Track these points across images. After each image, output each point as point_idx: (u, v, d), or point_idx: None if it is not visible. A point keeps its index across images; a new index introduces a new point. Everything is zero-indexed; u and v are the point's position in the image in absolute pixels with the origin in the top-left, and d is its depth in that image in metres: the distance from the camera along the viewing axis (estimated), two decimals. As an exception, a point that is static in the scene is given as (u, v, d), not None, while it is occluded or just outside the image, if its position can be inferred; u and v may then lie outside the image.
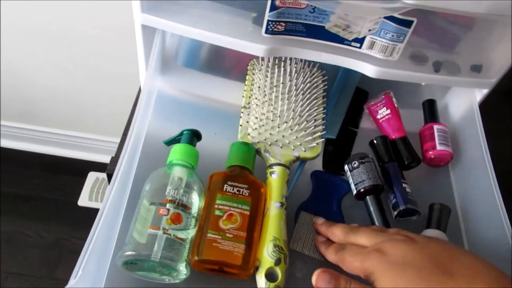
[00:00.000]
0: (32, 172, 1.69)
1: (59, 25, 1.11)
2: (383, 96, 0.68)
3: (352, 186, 0.60)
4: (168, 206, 0.50)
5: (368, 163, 0.59)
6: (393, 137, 0.65)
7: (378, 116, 0.67)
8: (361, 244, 0.49)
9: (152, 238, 0.49)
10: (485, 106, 0.88)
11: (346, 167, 0.61)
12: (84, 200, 1.56)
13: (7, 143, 1.69)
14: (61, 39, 1.15)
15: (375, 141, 0.63)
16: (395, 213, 0.58)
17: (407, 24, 0.54)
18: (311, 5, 0.54)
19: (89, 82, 1.33)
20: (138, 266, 0.49)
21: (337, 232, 0.53)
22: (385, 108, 0.67)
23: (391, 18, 0.53)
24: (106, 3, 1.02)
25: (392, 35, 0.55)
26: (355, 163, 0.60)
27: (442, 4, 0.50)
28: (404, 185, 0.59)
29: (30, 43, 1.19)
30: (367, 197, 0.58)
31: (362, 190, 0.58)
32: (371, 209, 0.58)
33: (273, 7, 0.54)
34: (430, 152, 0.63)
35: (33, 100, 1.47)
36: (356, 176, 0.59)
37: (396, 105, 0.67)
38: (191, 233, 0.52)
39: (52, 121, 1.57)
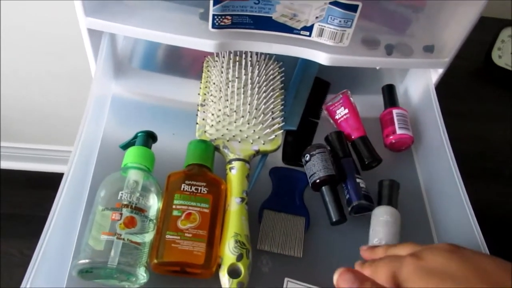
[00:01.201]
0: (13, 190, 1.66)
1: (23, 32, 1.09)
2: (340, 96, 0.67)
3: (308, 177, 0.59)
4: (121, 210, 0.49)
5: (323, 154, 0.59)
6: (353, 137, 0.63)
7: (337, 117, 0.66)
8: (399, 254, 0.44)
9: (108, 245, 0.47)
10: (450, 88, 0.88)
11: (302, 159, 0.60)
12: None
13: (-18, 162, 1.66)
14: (29, 46, 1.13)
15: (330, 137, 0.63)
16: (349, 208, 0.57)
17: (353, 8, 0.53)
18: (255, -4, 0.54)
19: (61, 91, 1.30)
20: (94, 274, 0.48)
21: (379, 251, 0.48)
22: (343, 107, 0.65)
23: (336, 4, 0.53)
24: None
25: (340, 21, 0.55)
26: (309, 154, 0.59)
27: (383, -14, 0.49)
28: (358, 180, 0.58)
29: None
30: (323, 187, 0.58)
31: (317, 180, 0.58)
32: (326, 199, 0.57)
33: (217, 1, 0.53)
34: (391, 137, 0.63)
35: (7, 116, 1.44)
36: (311, 167, 0.59)
37: (354, 103, 0.66)
38: (148, 236, 0.51)
39: (28, 136, 1.54)
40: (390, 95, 0.67)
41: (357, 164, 0.61)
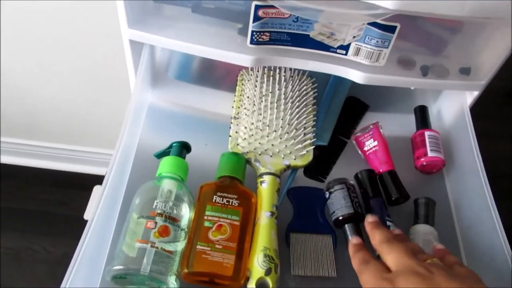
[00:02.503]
0: (39, 188, 1.70)
1: (59, 34, 1.13)
2: (371, 126, 0.66)
3: (330, 214, 0.58)
4: (156, 219, 0.50)
5: (347, 189, 0.58)
6: (381, 170, 0.62)
7: (365, 148, 0.65)
8: (386, 264, 0.47)
9: (141, 252, 0.49)
10: (484, 108, 0.87)
11: (326, 192, 0.60)
12: (90, 214, 1.57)
13: (13, 160, 1.71)
14: (63, 48, 1.17)
15: (359, 175, 0.62)
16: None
17: (391, 29, 0.54)
18: (294, 15, 0.54)
19: (92, 93, 1.34)
20: (128, 280, 0.49)
21: (376, 236, 0.50)
22: (372, 139, 0.64)
23: (374, 24, 0.53)
24: (108, 12, 1.02)
25: (377, 41, 0.55)
26: (333, 188, 0.58)
27: (423, 9, 0.50)
28: (388, 223, 0.57)
29: (30, 54, 1.20)
30: (345, 225, 0.56)
31: (340, 217, 0.57)
32: (349, 238, 0.55)
33: (256, 18, 0.54)
34: (422, 159, 0.63)
35: (35, 114, 1.48)
36: (334, 202, 0.58)
37: (384, 136, 0.65)
38: (180, 245, 0.52)
39: (56, 135, 1.58)
40: (422, 116, 0.67)
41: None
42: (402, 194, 0.60)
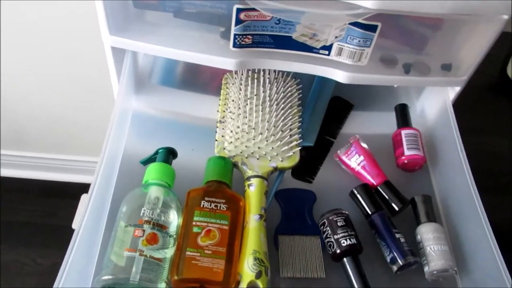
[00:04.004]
0: (26, 199, 1.67)
1: (42, 43, 1.11)
2: (351, 142, 0.64)
3: (327, 247, 0.56)
4: (144, 227, 0.50)
5: (340, 220, 0.56)
6: (375, 183, 0.61)
7: (353, 165, 0.63)
8: None
9: (130, 261, 0.48)
10: (468, 103, 0.88)
11: (320, 224, 0.58)
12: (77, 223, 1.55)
13: (-2, 171, 1.68)
14: (46, 57, 1.15)
15: (355, 191, 0.60)
16: (395, 268, 0.55)
17: (372, 28, 0.54)
18: (276, 17, 0.54)
19: (77, 100, 1.32)
20: (117, 289, 0.49)
21: None
22: (357, 155, 0.63)
23: (355, 24, 0.54)
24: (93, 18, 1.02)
25: (359, 41, 0.55)
26: (327, 220, 0.57)
27: (403, 7, 0.50)
28: (397, 235, 0.56)
29: (14, 63, 1.19)
30: (344, 259, 0.54)
31: (338, 251, 0.54)
32: (349, 272, 0.54)
33: (238, 21, 0.54)
34: (403, 157, 0.63)
35: (19, 124, 1.46)
36: (330, 235, 0.56)
37: (366, 148, 0.64)
38: (169, 252, 0.51)
39: (41, 145, 1.56)
40: (402, 114, 0.67)
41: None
42: (404, 202, 0.60)
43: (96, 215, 0.53)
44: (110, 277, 0.47)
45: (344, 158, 0.64)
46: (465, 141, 0.64)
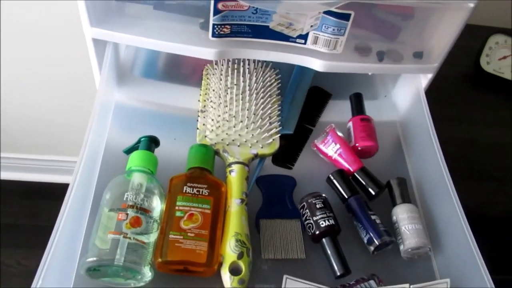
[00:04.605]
0: (8, 201, 1.66)
1: (20, 41, 1.11)
2: (327, 131, 0.66)
3: (307, 229, 0.58)
4: (127, 211, 0.51)
5: (319, 202, 0.58)
6: (352, 170, 0.63)
7: (330, 154, 0.65)
8: None
9: (115, 243, 0.49)
10: (443, 93, 0.92)
11: (300, 207, 0.60)
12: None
13: (-21, 173, 1.66)
14: (24, 55, 1.15)
15: (331, 177, 0.62)
16: (372, 248, 0.57)
17: (346, 17, 0.56)
18: (253, 7, 0.56)
19: (58, 99, 1.32)
20: (102, 272, 0.50)
21: None
22: (333, 143, 0.64)
23: (329, 13, 0.56)
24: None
25: (333, 29, 0.57)
26: (306, 203, 0.58)
27: (373, -5, 0.52)
28: (373, 217, 0.58)
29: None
30: (323, 239, 0.56)
31: (317, 232, 0.56)
32: (328, 252, 0.56)
33: (216, 11, 0.56)
34: (356, 145, 0.66)
35: (2, 126, 1.45)
36: (309, 218, 0.57)
37: (342, 136, 0.66)
38: (153, 237, 0.53)
39: (26, 146, 1.55)
40: (353, 104, 0.70)
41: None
42: (380, 187, 0.62)
43: (79, 205, 0.54)
44: (95, 259, 0.48)
45: (321, 146, 0.66)
46: (441, 128, 0.66)
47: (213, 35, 0.59)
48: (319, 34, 0.59)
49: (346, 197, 0.60)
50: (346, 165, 0.64)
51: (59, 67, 1.19)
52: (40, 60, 1.17)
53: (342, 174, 0.62)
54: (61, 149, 1.57)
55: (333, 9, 0.55)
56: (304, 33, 0.59)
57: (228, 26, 0.58)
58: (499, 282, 0.76)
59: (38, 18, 1.03)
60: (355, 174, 0.63)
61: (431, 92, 0.70)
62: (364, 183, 0.62)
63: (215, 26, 0.58)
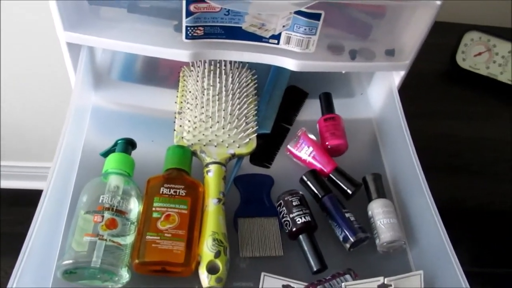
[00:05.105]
0: (-5, 208, 1.65)
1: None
2: (299, 135, 0.67)
3: (284, 226, 0.59)
4: (103, 213, 0.51)
5: (296, 200, 0.59)
6: (326, 171, 0.63)
7: (304, 157, 0.65)
8: None
9: (91, 246, 0.50)
10: (419, 89, 0.93)
11: (277, 205, 0.60)
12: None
13: (-37, 181, 1.64)
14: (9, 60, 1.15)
15: (305, 178, 0.62)
16: (348, 246, 0.57)
17: (316, 17, 0.57)
18: (225, 8, 0.57)
19: (42, 105, 1.31)
20: (79, 275, 0.50)
21: None
22: (306, 147, 0.65)
23: (300, 13, 0.57)
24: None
25: (305, 29, 0.58)
26: (283, 200, 0.59)
27: (341, -5, 0.53)
28: (347, 214, 0.59)
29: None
30: (300, 236, 0.57)
31: (293, 229, 0.57)
32: (305, 248, 0.56)
33: (189, 13, 0.57)
34: (326, 143, 0.66)
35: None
36: (286, 215, 0.58)
37: (313, 139, 0.66)
38: (130, 238, 0.53)
39: (8, 153, 1.54)
40: (322, 103, 0.71)
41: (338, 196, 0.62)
42: (356, 185, 0.62)
43: (56, 208, 0.54)
44: (71, 261, 0.48)
45: (294, 151, 0.67)
46: (418, 124, 0.67)
47: (187, 37, 0.59)
48: (291, 34, 0.60)
49: (320, 196, 0.61)
50: (320, 166, 0.64)
51: (36, 74, 1.18)
52: (21, 69, 1.17)
53: (314, 174, 0.63)
54: (45, 156, 1.56)
55: (303, 9, 0.56)
56: (276, 33, 0.60)
57: (201, 28, 0.59)
58: (477, 274, 0.77)
59: (16, 24, 1.03)
60: (331, 175, 0.63)
61: (408, 88, 0.71)
62: (340, 183, 0.63)
63: (188, 28, 0.58)
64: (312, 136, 0.66)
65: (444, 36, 1.02)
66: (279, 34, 0.60)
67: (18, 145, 1.50)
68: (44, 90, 1.26)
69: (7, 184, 1.65)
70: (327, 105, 0.70)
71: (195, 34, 0.59)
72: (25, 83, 1.24)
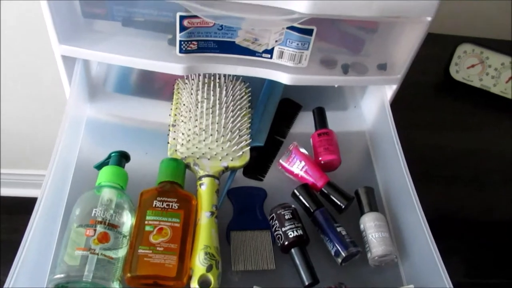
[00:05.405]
0: (-10, 216, 1.64)
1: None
2: (291, 149, 0.67)
3: (276, 239, 0.59)
4: (95, 226, 0.52)
5: (288, 213, 0.59)
6: (319, 185, 0.64)
7: (296, 172, 0.65)
8: None
9: (83, 260, 0.50)
10: (412, 101, 0.94)
11: (269, 218, 0.60)
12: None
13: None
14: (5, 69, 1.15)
15: (296, 192, 0.62)
16: (340, 260, 0.57)
17: (308, 32, 0.58)
18: (219, 23, 0.58)
19: (38, 113, 1.32)
20: (70, 289, 0.50)
21: None
22: (298, 161, 0.65)
23: (293, 28, 0.58)
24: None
25: (297, 44, 0.59)
26: (275, 214, 0.59)
27: (333, 11, 0.54)
28: (338, 229, 0.59)
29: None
30: (292, 250, 0.57)
31: (286, 243, 0.57)
32: (297, 262, 0.56)
33: (182, 28, 0.57)
34: (319, 159, 0.67)
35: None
36: (278, 228, 0.58)
37: (305, 153, 0.66)
38: (122, 252, 0.53)
39: (3, 161, 1.54)
40: (316, 118, 0.71)
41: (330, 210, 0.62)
42: (348, 199, 0.62)
43: (48, 220, 0.55)
44: (63, 275, 0.48)
45: (286, 165, 0.67)
46: (411, 135, 0.68)
47: (180, 51, 0.60)
48: (284, 49, 0.60)
49: (312, 211, 0.61)
50: (313, 181, 0.65)
51: (32, 83, 1.18)
52: (19, 78, 1.17)
53: (306, 188, 0.63)
54: (40, 164, 1.56)
55: (296, 24, 0.57)
56: (269, 48, 0.61)
57: (195, 42, 0.59)
58: (470, 285, 0.78)
59: (13, 34, 1.03)
60: (323, 189, 0.64)
61: (402, 100, 0.72)
62: (332, 197, 0.63)
63: (182, 43, 0.59)
64: (303, 150, 0.67)
65: (437, 48, 1.03)
66: (272, 49, 0.61)
67: (15, 153, 1.50)
68: (35, 100, 1.26)
69: (5, 191, 1.65)
70: (321, 120, 0.70)
71: (189, 48, 0.60)
72: (21, 95, 1.24)
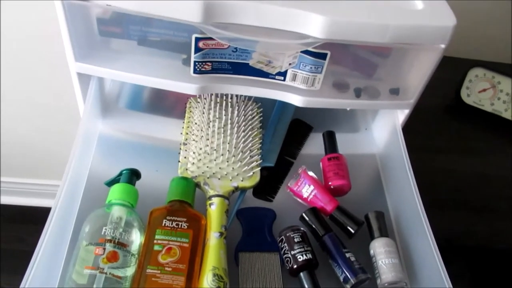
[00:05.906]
0: (-6, 225, 1.65)
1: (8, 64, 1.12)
2: (299, 173, 0.67)
3: (285, 262, 0.59)
4: (104, 245, 0.52)
5: (297, 236, 0.58)
6: (328, 210, 0.63)
7: (305, 196, 0.65)
8: None
9: (91, 279, 0.50)
10: (424, 124, 0.94)
11: (278, 241, 0.60)
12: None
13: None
14: (13, 78, 1.16)
15: (305, 216, 0.62)
16: (348, 286, 0.57)
17: (322, 56, 0.58)
18: (233, 46, 0.58)
19: (46, 123, 1.33)
20: (78, 307, 0.50)
21: None
22: (307, 185, 0.65)
23: (307, 52, 0.58)
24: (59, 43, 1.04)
25: (311, 67, 0.59)
26: (284, 236, 0.59)
27: (348, 37, 0.55)
28: (347, 254, 0.58)
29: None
30: (301, 273, 0.57)
31: (294, 266, 0.57)
32: (305, 286, 0.56)
33: (197, 49, 0.58)
34: (329, 183, 0.66)
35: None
36: (287, 251, 0.58)
37: (314, 176, 0.66)
38: (130, 270, 0.53)
39: (11, 170, 1.55)
40: (326, 142, 0.71)
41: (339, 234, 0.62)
42: (358, 223, 0.62)
43: (58, 236, 0.55)
44: (71, 295, 0.48)
45: (295, 189, 0.67)
46: (422, 158, 0.67)
47: (195, 71, 0.60)
48: (297, 72, 0.61)
49: (320, 235, 0.61)
50: (322, 205, 0.64)
51: (47, 93, 1.20)
52: (27, 86, 1.18)
53: (315, 212, 0.62)
54: (46, 173, 1.56)
55: (310, 48, 0.57)
56: (283, 70, 0.61)
57: (209, 63, 0.60)
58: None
59: (25, 45, 1.05)
60: (333, 214, 0.63)
61: (413, 122, 0.72)
62: (342, 222, 0.63)
63: (197, 63, 0.59)
64: (312, 174, 0.66)
65: (449, 71, 1.03)
66: (286, 71, 0.61)
67: (18, 161, 1.51)
68: (48, 111, 1.27)
69: (6, 200, 1.66)
70: (331, 144, 0.70)
71: (203, 69, 0.60)
72: (28, 104, 1.25)
